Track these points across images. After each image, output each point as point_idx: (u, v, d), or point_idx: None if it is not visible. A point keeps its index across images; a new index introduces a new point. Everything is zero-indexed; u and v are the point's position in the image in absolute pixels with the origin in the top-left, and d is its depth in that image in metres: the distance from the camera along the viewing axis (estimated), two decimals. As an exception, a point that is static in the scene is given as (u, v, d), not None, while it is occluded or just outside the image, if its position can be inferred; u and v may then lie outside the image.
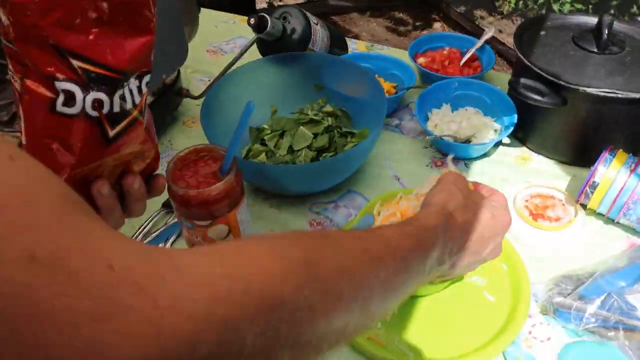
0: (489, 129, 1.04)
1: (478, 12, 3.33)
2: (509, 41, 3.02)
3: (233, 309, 0.31)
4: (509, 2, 3.20)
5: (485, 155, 1.03)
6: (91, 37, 0.44)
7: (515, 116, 1.01)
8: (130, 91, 0.49)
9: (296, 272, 0.37)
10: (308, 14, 1.05)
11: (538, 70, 0.94)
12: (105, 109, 0.47)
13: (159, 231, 0.90)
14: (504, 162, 1.03)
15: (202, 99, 1.03)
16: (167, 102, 1.06)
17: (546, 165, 1.02)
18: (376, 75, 1.08)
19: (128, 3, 0.45)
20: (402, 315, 0.79)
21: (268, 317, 0.33)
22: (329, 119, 0.98)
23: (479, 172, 1.01)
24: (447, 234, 0.60)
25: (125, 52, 0.46)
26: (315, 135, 0.95)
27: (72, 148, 0.48)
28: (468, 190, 0.68)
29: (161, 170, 0.66)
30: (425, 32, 3.30)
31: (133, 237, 0.89)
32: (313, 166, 0.88)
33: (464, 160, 1.03)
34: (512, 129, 1.00)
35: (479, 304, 0.80)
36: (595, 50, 0.97)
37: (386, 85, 1.10)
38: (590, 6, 2.89)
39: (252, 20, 0.96)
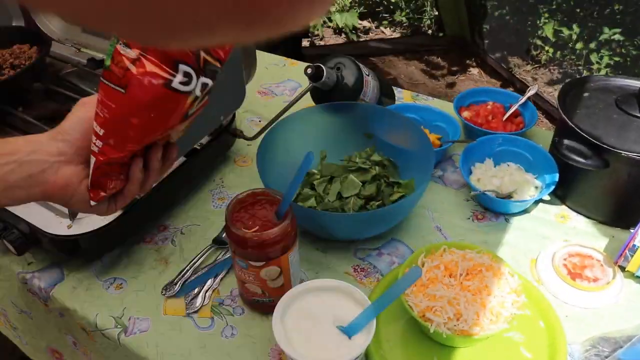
0: (530, 186, 1.07)
1: (514, 60, 3.37)
2: (546, 90, 3.05)
3: None
4: (547, 51, 3.24)
5: (525, 211, 1.06)
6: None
7: (557, 175, 1.03)
8: (210, 83, 0.57)
9: None
10: (361, 65, 1.10)
11: (582, 133, 0.97)
12: (206, 90, 0.56)
13: (208, 267, 0.94)
14: (544, 219, 1.05)
15: (254, 140, 1.08)
16: (221, 142, 1.11)
17: (585, 225, 1.04)
18: (422, 127, 1.12)
19: None
20: (441, 366, 0.81)
21: None
22: (377, 167, 1.02)
23: (518, 228, 1.03)
24: None
25: (226, 51, 0.56)
26: (363, 183, 0.99)
27: (170, 119, 0.56)
28: None
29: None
30: (462, 77, 3.35)
31: (182, 272, 0.93)
32: (362, 215, 0.92)
33: (504, 215, 1.05)
34: (553, 187, 1.03)
35: (516, 360, 0.82)
36: (638, 114, 1.00)
37: (431, 137, 1.14)
38: (629, 59, 2.92)
39: (310, 70, 1.01)
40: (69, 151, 0.61)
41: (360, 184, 0.98)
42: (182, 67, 0.53)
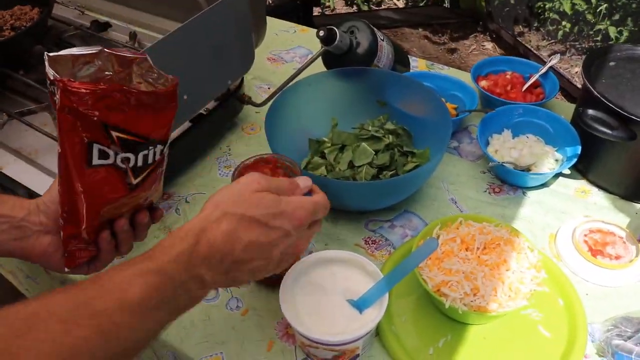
0: (550, 158, 1.02)
1: (529, 35, 3.29)
2: (562, 66, 2.98)
3: None
4: (564, 26, 3.16)
5: (544, 185, 1.01)
6: (129, 114, 0.56)
7: (579, 147, 0.99)
8: (154, 152, 0.61)
9: None
10: (375, 29, 1.05)
11: (608, 103, 0.92)
12: (131, 164, 0.59)
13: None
14: (563, 193, 1.01)
15: (262, 107, 1.04)
16: (228, 108, 1.07)
17: (607, 200, 1.00)
18: (438, 95, 1.08)
19: (158, 95, 0.58)
20: (454, 343, 0.78)
21: None
22: (390, 136, 0.97)
23: (536, 202, 0.99)
24: (192, 267, 0.54)
25: (153, 125, 0.59)
26: (376, 152, 0.94)
27: (102, 189, 0.59)
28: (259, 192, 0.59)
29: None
30: (476, 51, 3.27)
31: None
32: (375, 185, 0.88)
33: (522, 188, 1.01)
34: (575, 160, 0.98)
35: (533, 339, 0.78)
36: (668, 85, 0.95)
37: (447, 106, 1.09)
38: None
39: (322, 33, 0.96)
40: (48, 223, 0.66)
41: (373, 152, 0.93)
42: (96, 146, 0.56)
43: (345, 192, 0.86)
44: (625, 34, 2.87)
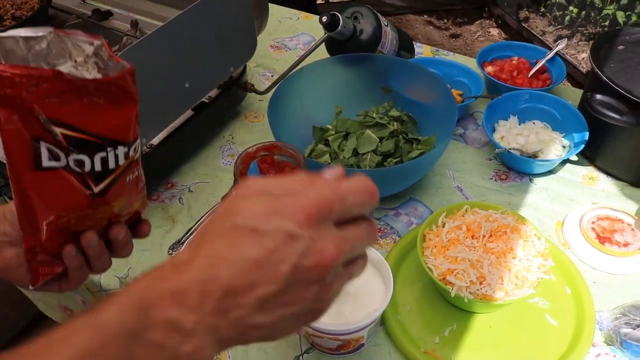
0: (557, 145, 1.01)
1: (535, 21, 3.25)
2: (569, 52, 2.94)
3: None
4: (571, 11, 3.12)
5: (551, 171, 1.00)
6: (74, 106, 0.47)
7: (587, 134, 0.97)
8: (115, 156, 0.51)
9: None
10: (379, 15, 1.04)
11: (617, 88, 0.91)
12: (87, 168, 0.50)
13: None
14: (571, 180, 0.99)
15: (266, 95, 1.02)
16: (231, 96, 1.06)
17: (615, 187, 0.98)
18: (443, 81, 1.06)
19: (106, 83, 0.48)
20: (460, 332, 0.77)
21: None
22: (395, 123, 0.96)
23: (543, 189, 0.97)
24: (150, 308, 0.37)
25: (107, 121, 0.49)
26: (380, 140, 0.93)
27: (57, 196, 0.51)
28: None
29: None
30: (481, 38, 3.24)
31: (190, 231, 0.89)
32: (379, 172, 0.87)
33: (529, 175, 1.00)
34: (582, 146, 0.97)
35: (541, 327, 0.77)
36: (679, 69, 0.93)
37: (452, 93, 1.08)
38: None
39: (325, 18, 0.95)
40: (12, 233, 0.58)
41: (378, 139, 0.92)
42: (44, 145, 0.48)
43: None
44: (634, 18, 2.83)
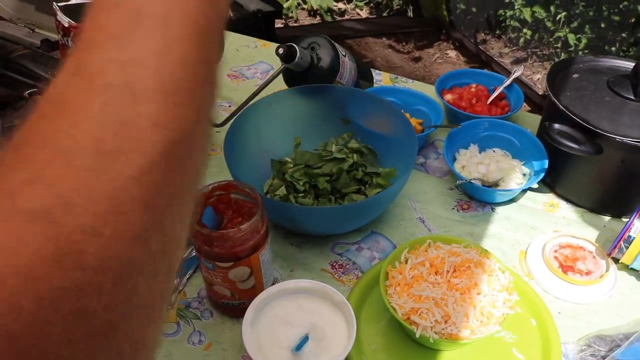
0: (518, 173, 1.01)
1: (491, 43, 3.31)
2: (525, 73, 3.00)
3: None
4: (524, 33, 3.19)
5: (512, 200, 1.00)
6: None
7: (546, 162, 0.98)
8: None
9: None
10: (337, 45, 1.02)
11: (574, 118, 0.91)
12: None
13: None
14: (532, 208, 0.99)
15: (223, 127, 0.99)
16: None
17: (575, 214, 0.99)
18: (402, 111, 1.05)
19: None
20: (427, 371, 0.75)
21: None
22: (354, 155, 0.94)
23: (506, 218, 0.97)
24: None
25: None
26: (340, 174, 0.91)
27: None
28: None
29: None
30: (440, 60, 3.28)
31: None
32: (337, 209, 0.85)
33: (491, 204, 0.99)
34: (542, 175, 0.97)
35: (508, 362, 0.76)
36: (632, 97, 0.94)
37: (412, 122, 1.07)
38: (606, 44, 2.88)
39: (281, 50, 0.93)
40: None
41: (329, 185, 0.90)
42: None
43: (307, 217, 0.83)
44: (584, 41, 2.91)
